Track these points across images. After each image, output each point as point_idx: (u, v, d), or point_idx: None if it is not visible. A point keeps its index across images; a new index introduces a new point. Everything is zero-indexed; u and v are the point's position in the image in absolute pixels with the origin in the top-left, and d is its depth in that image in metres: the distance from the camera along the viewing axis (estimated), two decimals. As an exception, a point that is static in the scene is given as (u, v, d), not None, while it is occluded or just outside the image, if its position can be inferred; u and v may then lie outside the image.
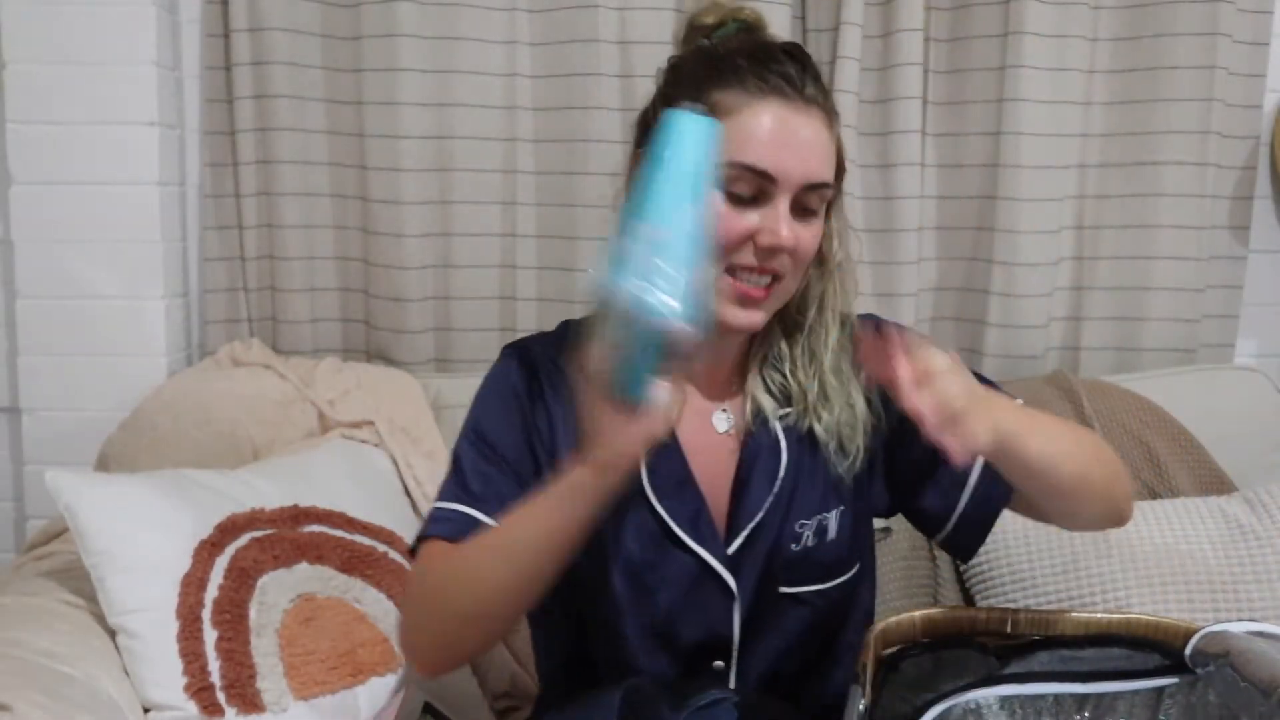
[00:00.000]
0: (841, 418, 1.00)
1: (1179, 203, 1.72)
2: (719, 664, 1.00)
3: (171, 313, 1.69)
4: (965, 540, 1.05)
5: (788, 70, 0.92)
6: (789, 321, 1.03)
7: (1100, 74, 1.73)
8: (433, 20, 1.68)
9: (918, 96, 1.70)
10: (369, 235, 1.74)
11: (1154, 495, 1.54)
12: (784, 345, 1.03)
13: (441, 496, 0.99)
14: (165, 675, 1.15)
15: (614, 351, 0.82)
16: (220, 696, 1.15)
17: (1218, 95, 1.69)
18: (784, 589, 1.00)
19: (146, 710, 1.15)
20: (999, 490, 1.00)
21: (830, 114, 0.95)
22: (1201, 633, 0.82)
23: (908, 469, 1.03)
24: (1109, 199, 1.75)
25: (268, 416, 1.54)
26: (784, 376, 1.02)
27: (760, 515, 0.98)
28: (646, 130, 0.96)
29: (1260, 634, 0.79)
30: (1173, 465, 1.56)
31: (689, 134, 0.82)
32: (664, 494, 0.98)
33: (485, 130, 1.72)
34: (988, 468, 0.98)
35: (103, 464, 1.54)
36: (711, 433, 1.02)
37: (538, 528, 0.87)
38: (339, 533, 1.35)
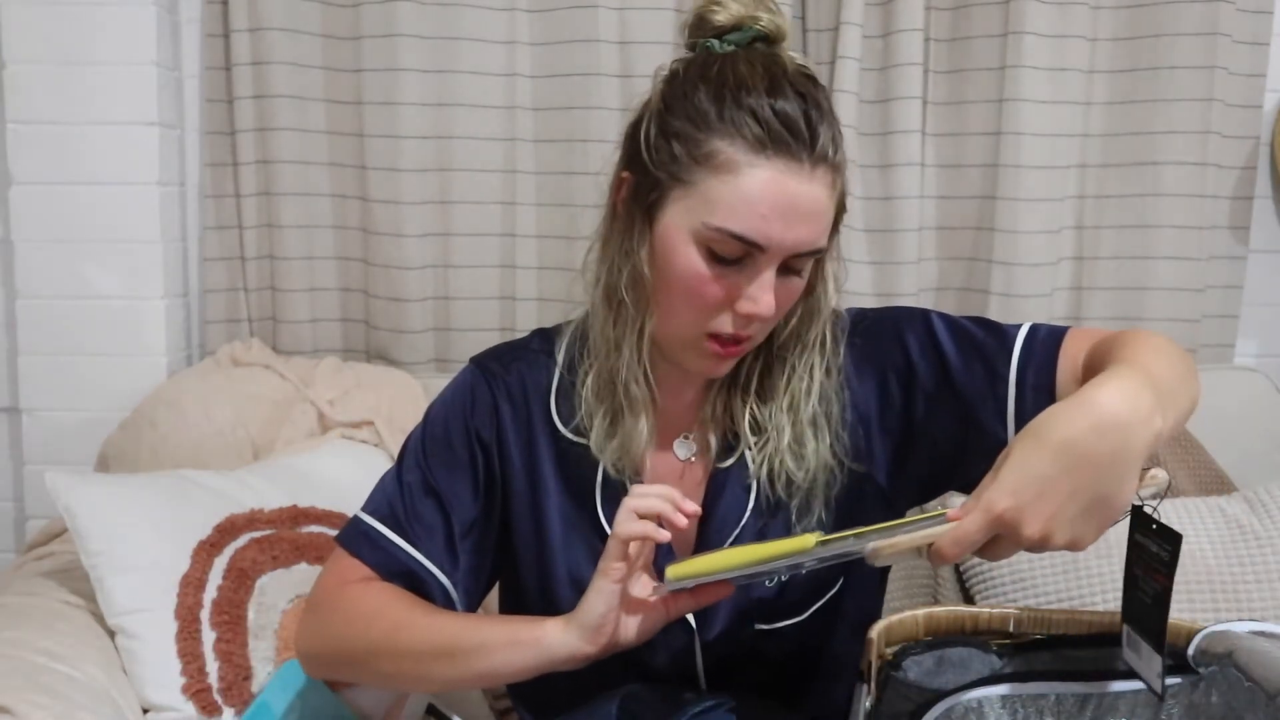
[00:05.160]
0: (810, 476, 0.92)
1: (1179, 203, 1.71)
2: (689, 695, 0.94)
3: (171, 313, 1.69)
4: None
5: (797, 122, 0.81)
6: (765, 350, 0.95)
7: (1100, 74, 1.73)
8: (433, 20, 1.67)
9: (918, 96, 1.70)
10: (369, 235, 1.74)
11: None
12: (757, 374, 0.94)
13: (375, 508, 0.98)
14: (163, 676, 1.15)
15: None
16: (218, 698, 1.15)
17: (1218, 95, 1.69)
18: (760, 626, 0.95)
19: (145, 710, 1.15)
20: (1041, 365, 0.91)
21: (838, 169, 0.85)
22: (1204, 632, 0.81)
23: (946, 445, 0.94)
24: (1109, 199, 1.75)
25: (268, 416, 1.54)
26: (754, 406, 0.94)
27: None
28: (637, 145, 0.88)
29: (1263, 633, 0.79)
30: (1173, 465, 1.56)
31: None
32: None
33: (485, 130, 1.72)
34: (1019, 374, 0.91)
35: (103, 464, 1.54)
36: (673, 460, 0.96)
37: (483, 662, 0.87)
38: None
